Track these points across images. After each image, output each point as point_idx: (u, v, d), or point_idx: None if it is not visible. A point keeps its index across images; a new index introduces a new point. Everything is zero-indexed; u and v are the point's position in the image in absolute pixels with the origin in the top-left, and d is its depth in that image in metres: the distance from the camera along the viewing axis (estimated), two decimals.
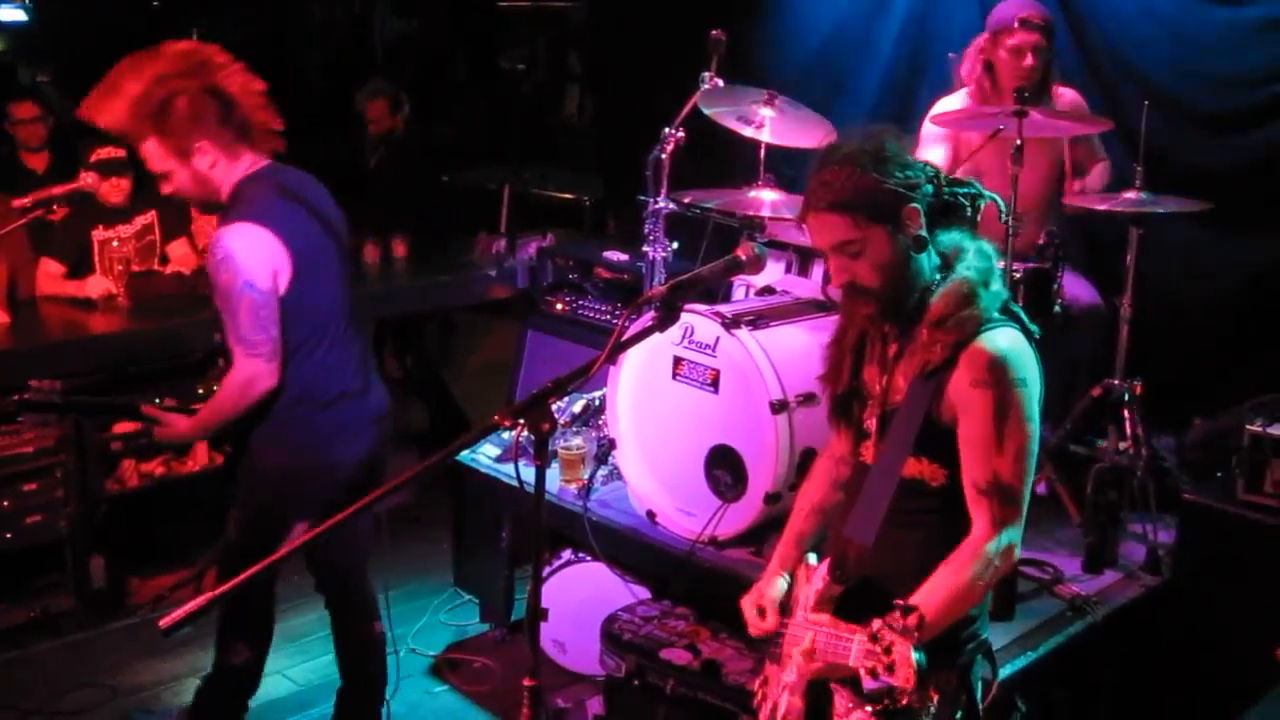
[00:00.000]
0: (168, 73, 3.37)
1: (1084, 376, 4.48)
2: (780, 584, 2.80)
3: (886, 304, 2.57)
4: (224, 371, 3.51)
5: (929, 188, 2.56)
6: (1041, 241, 4.22)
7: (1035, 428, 2.52)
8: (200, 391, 5.04)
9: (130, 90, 3.34)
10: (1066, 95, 4.69)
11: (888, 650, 2.24)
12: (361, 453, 3.62)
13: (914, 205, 2.52)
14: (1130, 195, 4.22)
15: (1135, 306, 4.28)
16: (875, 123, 2.71)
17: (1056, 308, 4.20)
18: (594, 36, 9.14)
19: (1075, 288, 4.48)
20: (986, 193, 2.73)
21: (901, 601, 2.32)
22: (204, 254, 5.54)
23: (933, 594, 2.45)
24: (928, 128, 4.56)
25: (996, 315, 2.54)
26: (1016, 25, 4.47)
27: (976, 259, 2.59)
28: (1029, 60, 4.46)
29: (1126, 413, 4.24)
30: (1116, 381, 4.28)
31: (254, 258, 3.35)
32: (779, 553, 2.87)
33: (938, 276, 2.57)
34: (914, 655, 2.22)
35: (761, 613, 2.77)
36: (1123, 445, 4.25)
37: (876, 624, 2.28)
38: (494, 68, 11.50)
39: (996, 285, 2.59)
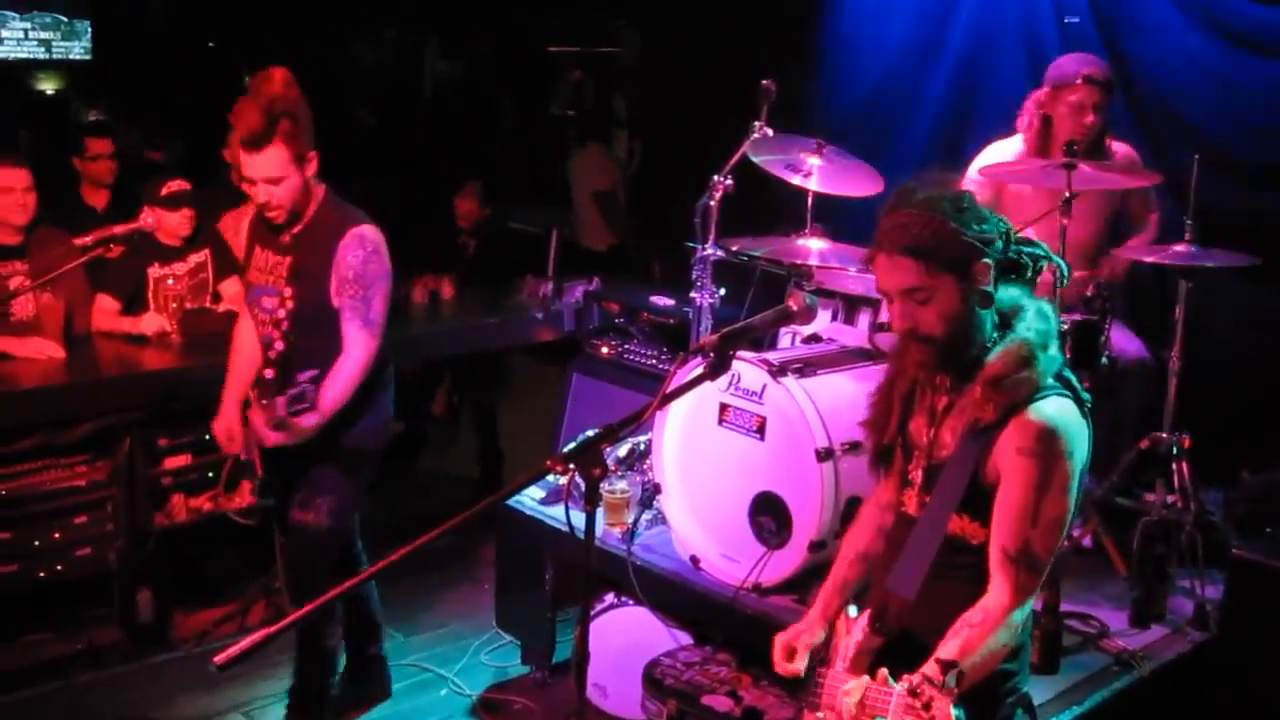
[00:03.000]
0: (289, 84, 3.75)
1: (1131, 429, 4.44)
2: (820, 633, 2.80)
3: (944, 354, 2.57)
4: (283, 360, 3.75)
5: (1000, 244, 2.56)
6: (1089, 294, 4.20)
7: (1073, 500, 2.53)
8: None
9: (268, 92, 3.69)
10: (1120, 150, 4.67)
11: (927, 706, 2.23)
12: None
13: (986, 260, 2.52)
14: (1180, 248, 4.19)
15: (1183, 359, 4.25)
16: (924, 170, 2.73)
17: (1103, 360, 4.19)
18: (641, 82, 9.22)
19: (1123, 340, 4.46)
20: (1054, 256, 2.72)
21: (944, 658, 2.32)
22: None
23: (964, 652, 2.42)
24: (973, 174, 4.57)
25: (1051, 382, 2.54)
26: (1080, 81, 4.44)
27: (1036, 320, 2.59)
28: (1090, 118, 4.43)
29: (1174, 466, 4.21)
30: (1164, 434, 4.25)
31: (388, 254, 3.90)
32: (821, 600, 2.87)
33: (996, 334, 2.57)
34: (954, 712, 2.22)
35: (791, 654, 2.77)
36: (1170, 499, 4.21)
37: (916, 679, 2.27)
38: (542, 111, 11.63)
39: (1054, 349, 2.58)
